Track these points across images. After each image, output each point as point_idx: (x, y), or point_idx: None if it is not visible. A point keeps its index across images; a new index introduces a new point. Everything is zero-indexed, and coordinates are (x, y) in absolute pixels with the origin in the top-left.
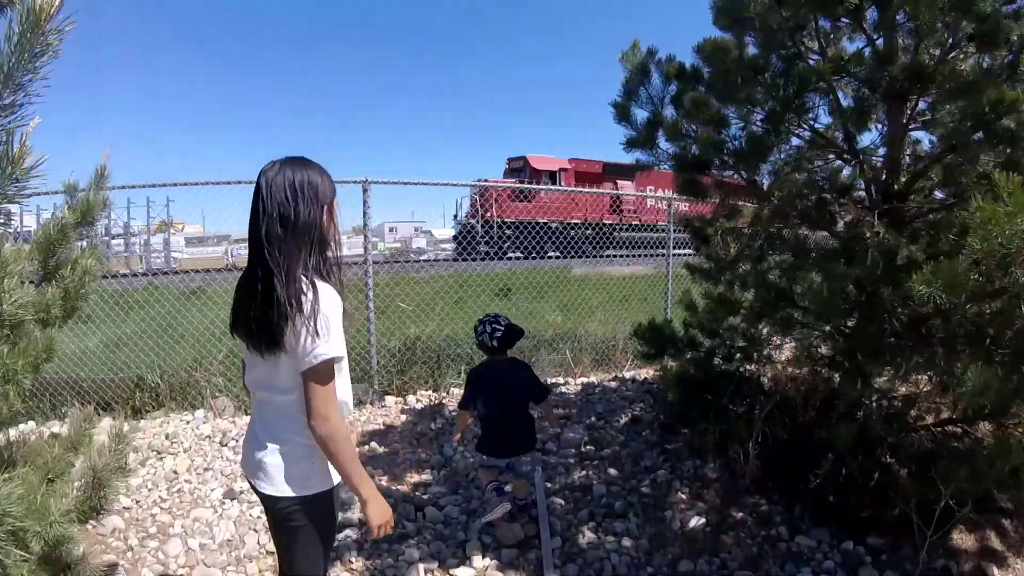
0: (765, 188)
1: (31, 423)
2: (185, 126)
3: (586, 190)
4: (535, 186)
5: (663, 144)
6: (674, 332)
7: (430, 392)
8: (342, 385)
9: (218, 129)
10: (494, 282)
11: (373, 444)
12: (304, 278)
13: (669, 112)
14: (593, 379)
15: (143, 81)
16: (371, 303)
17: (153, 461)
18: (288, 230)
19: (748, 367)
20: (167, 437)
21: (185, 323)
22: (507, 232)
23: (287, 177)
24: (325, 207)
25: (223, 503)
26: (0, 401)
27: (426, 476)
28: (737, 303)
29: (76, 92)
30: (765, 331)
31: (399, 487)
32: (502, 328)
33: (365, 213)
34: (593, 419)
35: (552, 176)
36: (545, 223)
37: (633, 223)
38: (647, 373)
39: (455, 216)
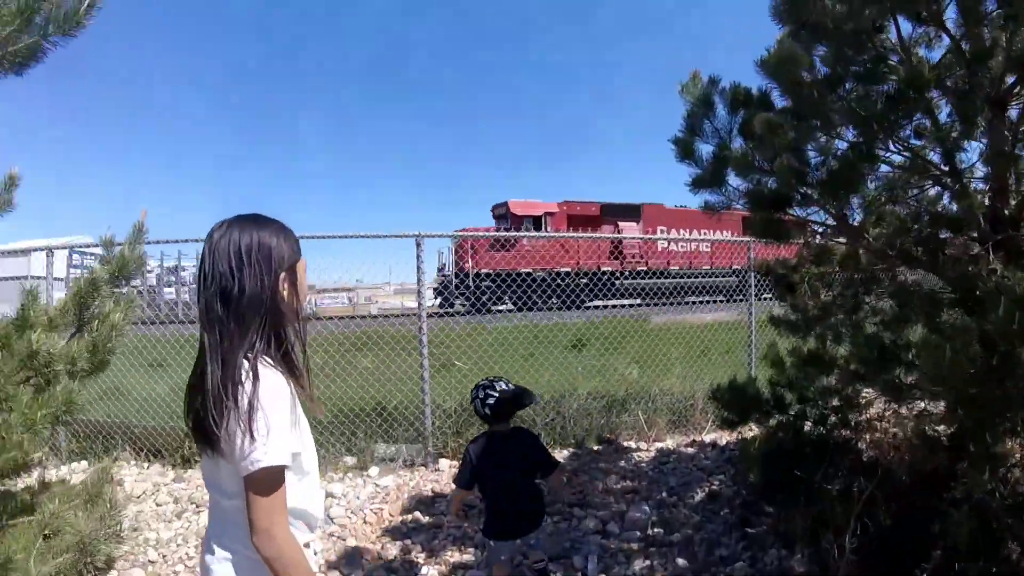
0: (857, 224)
1: (84, 462)
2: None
3: (566, 235)
4: (515, 233)
5: (733, 181)
6: (759, 393)
7: None
8: (303, 493)
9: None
10: (565, 334)
11: (417, 514)
12: (246, 363)
13: (738, 144)
14: (669, 444)
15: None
16: (425, 360)
17: (190, 514)
18: (230, 307)
19: (843, 432)
20: None
21: None
22: (485, 284)
23: (232, 241)
24: (282, 275)
25: None
26: (15, 449)
27: (468, 556)
28: (830, 360)
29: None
30: (864, 393)
31: (436, 567)
32: (495, 395)
33: (419, 268)
34: (664, 494)
35: (536, 222)
36: (529, 273)
37: (639, 269)
38: (729, 437)
39: (439, 269)
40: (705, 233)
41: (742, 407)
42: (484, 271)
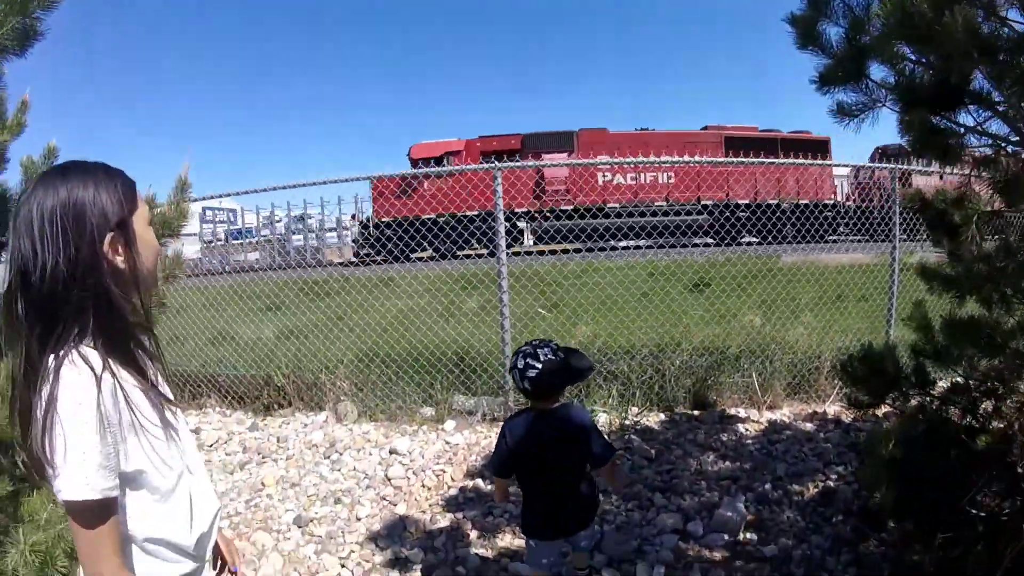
0: None
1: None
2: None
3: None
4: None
5: (875, 74)
6: (899, 368)
7: None
8: (165, 516)
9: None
10: (686, 272)
11: (479, 481)
12: (53, 360)
13: (879, 25)
14: (785, 413)
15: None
16: (506, 308)
17: (253, 466)
18: (30, 294)
19: (998, 429)
20: (278, 440)
21: (362, 313)
22: (387, 232)
23: (37, 206)
24: (108, 236)
25: (288, 530)
26: None
27: (520, 542)
28: (995, 333)
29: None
30: None
31: (482, 550)
32: (538, 366)
33: (497, 202)
34: (768, 486)
35: (438, 163)
36: (431, 219)
37: (563, 208)
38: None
39: (353, 216)
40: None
41: (876, 386)
42: (385, 220)
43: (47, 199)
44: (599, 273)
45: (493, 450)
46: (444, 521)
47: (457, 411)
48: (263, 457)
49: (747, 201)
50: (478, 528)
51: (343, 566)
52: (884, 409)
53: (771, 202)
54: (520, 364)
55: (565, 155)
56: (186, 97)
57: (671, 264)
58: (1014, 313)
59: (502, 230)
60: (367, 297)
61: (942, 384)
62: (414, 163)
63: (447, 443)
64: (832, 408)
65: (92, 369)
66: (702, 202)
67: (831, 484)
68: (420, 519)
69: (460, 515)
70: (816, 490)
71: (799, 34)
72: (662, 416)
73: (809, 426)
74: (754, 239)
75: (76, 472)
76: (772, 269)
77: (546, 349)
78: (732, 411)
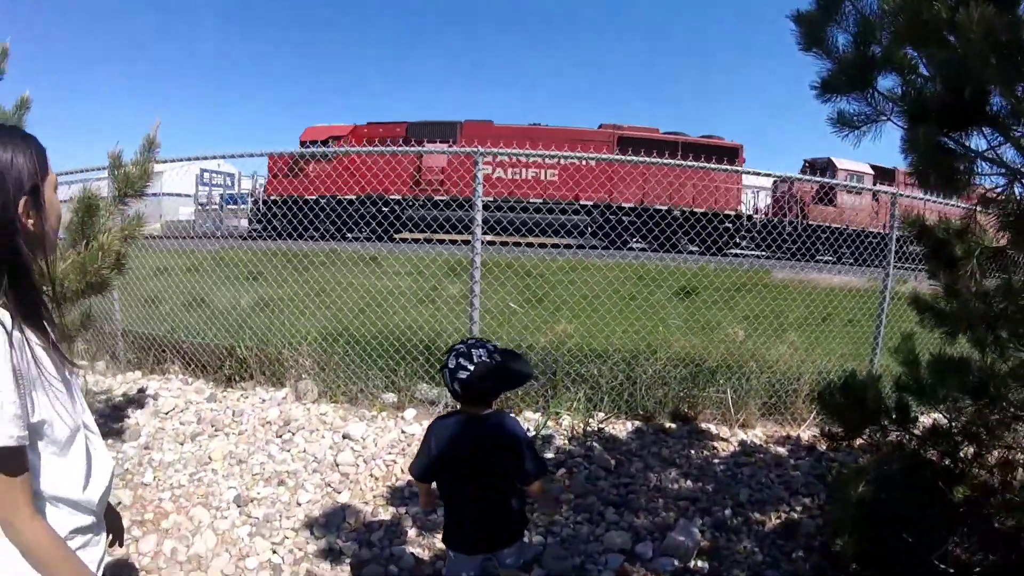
0: None
1: (137, 372)
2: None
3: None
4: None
5: (882, 83)
6: (880, 400)
7: (536, 416)
8: (63, 471)
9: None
10: (673, 278)
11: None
12: None
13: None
14: (757, 434)
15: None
16: (476, 299)
17: (204, 438)
18: None
19: (978, 477)
20: (234, 414)
21: (340, 291)
22: (275, 211)
23: None
24: (23, 200)
25: (227, 508)
26: None
27: None
28: (985, 377)
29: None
30: None
31: (418, 548)
32: (470, 368)
33: (476, 184)
34: (728, 512)
35: (324, 146)
36: (314, 200)
37: (439, 198)
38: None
39: (250, 193)
40: (553, 160)
41: (854, 418)
42: (273, 197)
43: None
44: (588, 271)
45: (417, 451)
46: (386, 514)
47: (420, 400)
48: (216, 430)
49: (632, 204)
50: (418, 525)
51: (275, 552)
52: (860, 441)
53: (660, 207)
54: (451, 364)
55: (447, 144)
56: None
57: (662, 268)
58: (1008, 359)
59: (479, 217)
60: (346, 274)
61: (923, 421)
62: (303, 145)
63: (403, 432)
64: (807, 433)
65: (2, 325)
66: (580, 202)
67: (795, 516)
68: (362, 510)
69: (403, 510)
70: (778, 521)
71: (803, 35)
72: (629, 425)
73: (781, 450)
74: (642, 246)
75: None
76: (762, 283)
77: (481, 350)
78: (703, 426)
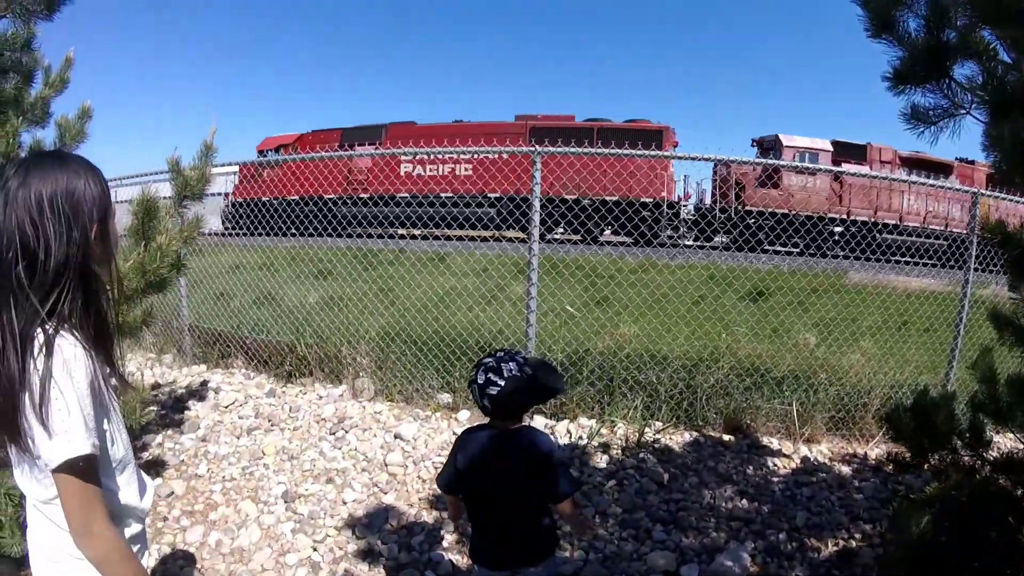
0: None
1: (203, 366)
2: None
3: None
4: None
5: (959, 72)
6: (953, 421)
7: (591, 423)
8: (123, 483)
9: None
10: (744, 280)
11: None
12: (41, 335)
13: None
14: (822, 450)
15: None
16: (533, 301)
17: (260, 433)
18: (34, 272)
19: None
20: (290, 410)
21: (405, 288)
22: (238, 210)
23: (33, 190)
24: (95, 226)
25: (274, 503)
26: None
27: None
28: None
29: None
30: None
31: (457, 555)
32: (501, 383)
33: (534, 182)
34: (783, 535)
35: (276, 153)
36: (267, 201)
37: (361, 195)
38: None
39: (226, 194)
40: (468, 155)
41: (924, 440)
42: (238, 200)
43: (46, 184)
44: (656, 269)
45: (445, 462)
46: (428, 518)
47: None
48: (272, 425)
49: (546, 196)
50: (459, 532)
51: (315, 549)
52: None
53: (568, 197)
54: (480, 379)
55: (373, 147)
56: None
57: (734, 267)
58: None
59: (536, 217)
60: (412, 272)
61: (999, 444)
62: (260, 154)
63: (455, 434)
64: (875, 451)
65: (83, 345)
66: (487, 194)
67: (853, 544)
68: (405, 512)
69: (445, 514)
70: (835, 548)
71: (873, 20)
72: (687, 436)
73: (846, 469)
74: (571, 235)
75: (77, 429)
76: (836, 286)
77: (512, 364)
78: (765, 440)
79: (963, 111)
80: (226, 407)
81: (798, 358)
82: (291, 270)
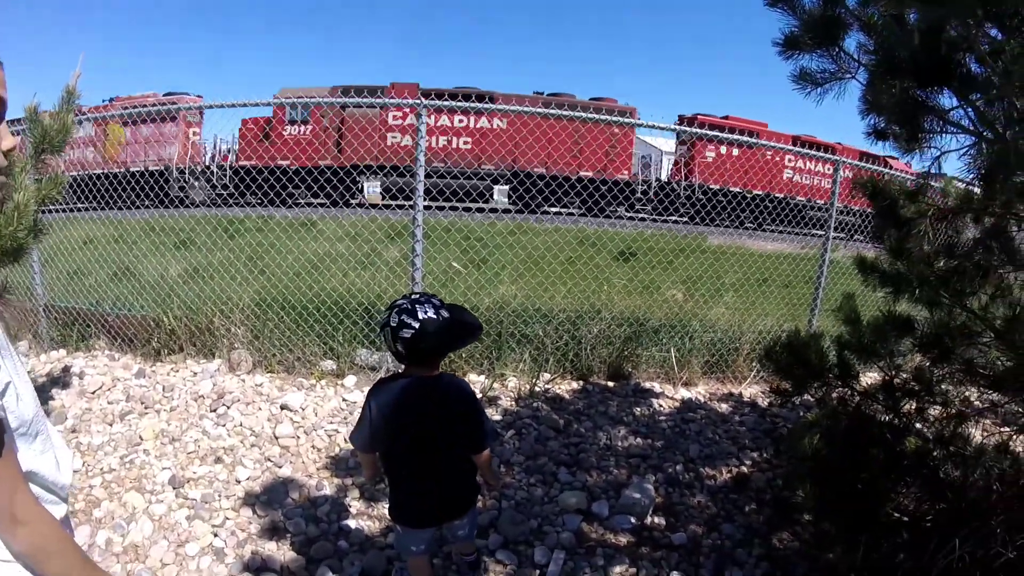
0: None
1: (62, 351)
2: None
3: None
4: None
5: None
6: (823, 357)
7: (482, 378)
8: (39, 452)
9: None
10: (615, 243)
11: None
12: None
13: None
14: (700, 392)
15: None
16: (418, 258)
17: (134, 417)
18: None
19: (921, 434)
20: (164, 390)
21: (275, 255)
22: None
23: None
24: None
25: (162, 490)
26: None
27: None
28: (945, 334)
29: None
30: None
31: (367, 522)
32: (415, 325)
33: (419, 140)
34: (679, 467)
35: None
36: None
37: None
38: (771, 396)
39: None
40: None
41: (800, 375)
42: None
43: None
44: (528, 235)
45: (357, 420)
46: (330, 487)
47: (360, 366)
48: (146, 407)
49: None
50: (366, 497)
51: (215, 535)
52: (802, 398)
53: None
54: (393, 322)
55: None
56: None
57: (602, 233)
58: (955, 318)
59: (421, 173)
60: (283, 239)
61: (864, 380)
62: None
63: (344, 400)
64: (749, 391)
65: None
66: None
67: (744, 470)
68: (305, 484)
69: (348, 481)
70: (729, 475)
71: None
72: (575, 385)
73: (725, 407)
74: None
75: None
76: (698, 247)
77: (427, 306)
78: (647, 385)
79: (849, 75)
80: (93, 393)
81: (670, 311)
82: (147, 241)
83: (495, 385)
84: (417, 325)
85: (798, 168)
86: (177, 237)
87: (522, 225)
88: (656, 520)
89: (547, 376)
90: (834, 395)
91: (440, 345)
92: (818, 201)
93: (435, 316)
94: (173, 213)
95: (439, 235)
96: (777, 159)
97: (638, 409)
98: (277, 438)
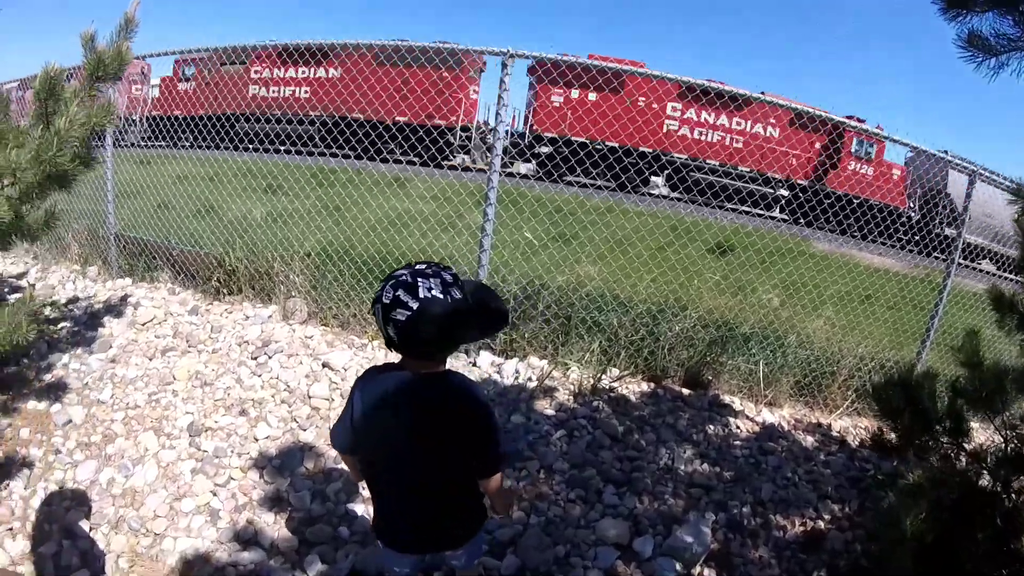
0: None
1: (128, 280)
2: None
3: None
4: None
5: None
6: (936, 404)
7: (543, 363)
8: None
9: None
10: (705, 235)
11: None
12: None
13: None
14: (784, 415)
15: None
16: (490, 223)
17: (174, 355)
18: None
19: None
20: (212, 330)
21: (362, 208)
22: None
23: None
24: None
25: (178, 436)
26: None
27: None
28: None
29: None
30: None
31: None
32: (413, 306)
33: (500, 99)
34: (746, 509)
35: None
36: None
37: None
38: (863, 432)
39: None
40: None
41: (912, 425)
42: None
43: None
44: (623, 215)
45: (341, 412)
46: None
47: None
48: (189, 346)
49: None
50: None
51: (215, 494)
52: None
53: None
54: (386, 298)
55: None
56: None
57: (698, 219)
58: None
59: (501, 136)
60: (370, 192)
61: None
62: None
63: None
64: (839, 423)
65: None
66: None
67: (821, 525)
68: (324, 454)
69: None
70: (802, 528)
71: None
72: (644, 387)
73: (810, 440)
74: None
75: None
76: (800, 250)
77: (433, 280)
78: (727, 399)
79: None
80: (143, 324)
81: (763, 319)
82: (237, 183)
83: (555, 374)
84: (415, 306)
85: (688, 120)
86: (265, 181)
87: (614, 207)
88: (706, 572)
89: (615, 372)
90: (943, 454)
91: (444, 335)
92: (709, 161)
93: (441, 296)
94: (268, 158)
95: (528, 203)
96: (656, 107)
97: (712, 427)
98: (310, 397)
